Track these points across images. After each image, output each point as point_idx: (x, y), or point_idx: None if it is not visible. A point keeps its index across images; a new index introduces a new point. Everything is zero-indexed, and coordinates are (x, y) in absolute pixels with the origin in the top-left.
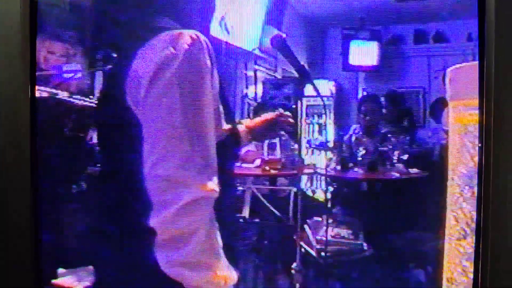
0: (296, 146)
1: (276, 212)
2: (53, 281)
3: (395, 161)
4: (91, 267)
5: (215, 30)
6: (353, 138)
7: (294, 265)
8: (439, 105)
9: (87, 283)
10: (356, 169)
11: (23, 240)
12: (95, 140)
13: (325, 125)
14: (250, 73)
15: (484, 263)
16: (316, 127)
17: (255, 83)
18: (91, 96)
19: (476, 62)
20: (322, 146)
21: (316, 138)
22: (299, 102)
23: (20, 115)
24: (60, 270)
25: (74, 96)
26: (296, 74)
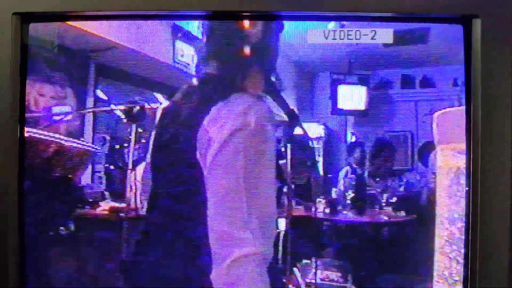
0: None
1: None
2: None
3: (383, 204)
4: None
5: None
6: (342, 181)
7: None
8: (427, 149)
9: None
10: (345, 212)
11: (11, 281)
12: (84, 182)
13: (315, 168)
14: None
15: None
16: (305, 169)
17: None
18: (82, 138)
19: (463, 107)
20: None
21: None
22: (289, 144)
23: (8, 156)
24: None
25: (63, 138)
26: (285, 118)
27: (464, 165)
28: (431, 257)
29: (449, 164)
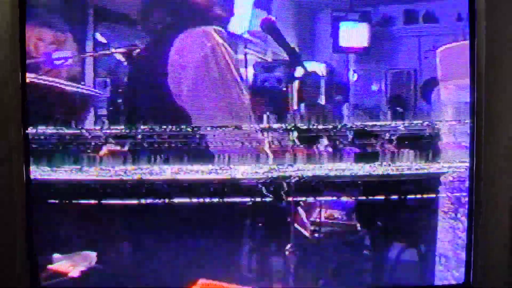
0: (288, 128)
1: (269, 194)
2: (49, 266)
3: (386, 141)
4: (86, 252)
5: None
6: (344, 119)
7: (288, 246)
8: (430, 85)
9: (83, 268)
10: (348, 149)
11: (17, 226)
12: (87, 126)
13: (317, 106)
14: (241, 57)
15: (475, 250)
16: (308, 109)
17: (246, 66)
18: (82, 82)
19: (467, 42)
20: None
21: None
22: (290, 84)
23: (11, 102)
24: (56, 256)
25: (64, 83)
26: (286, 57)
27: (468, 100)
28: (435, 197)
29: (452, 99)
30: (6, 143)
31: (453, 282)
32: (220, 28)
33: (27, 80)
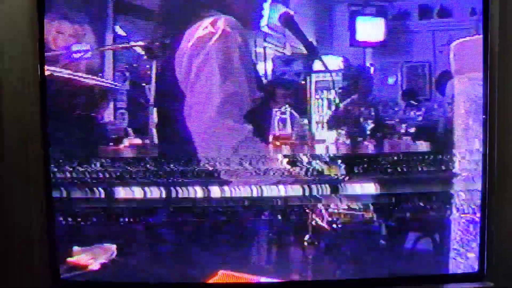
0: (306, 121)
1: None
2: (69, 259)
3: (402, 134)
4: (106, 245)
5: None
6: (362, 112)
7: (306, 237)
8: (444, 79)
9: (103, 260)
10: (365, 142)
11: (38, 218)
12: (106, 119)
13: (334, 100)
14: (260, 50)
15: (489, 239)
16: (326, 102)
17: (265, 60)
18: (100, 74)
19: (480, 36)
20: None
21: (326, 113)
22: (308, 77)
23: (30, 94)
24: (76, 248)
25: (83, 76)
26: (304, 51)
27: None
28: (450, 188)
29: (466, 92)
30: (25, 134)
31: (467, 271)
32: (231, 18)
33: (46, 73)
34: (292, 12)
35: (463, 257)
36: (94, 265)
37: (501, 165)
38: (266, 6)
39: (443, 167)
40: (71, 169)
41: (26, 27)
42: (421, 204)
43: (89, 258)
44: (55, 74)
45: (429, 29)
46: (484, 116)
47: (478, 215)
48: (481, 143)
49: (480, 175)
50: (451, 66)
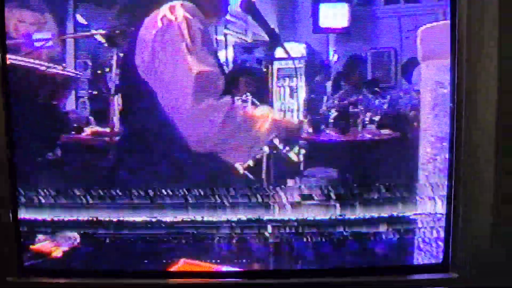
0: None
1: (249, 175)
2: (32, 246)
3: (367, 122)
4: (69, 232)
5: None
6: (325, 100)
7: (268, 228)
8: (411, 65)
9: (66, 248)
10: (328, 131)
11: (1, 206)
12: (68, 107)
13: (297, 88)
14: (221, 38)
15: (455, 230)
16: (288, 90)
17: (226, 47)
18: (63, 64)
19: (448, 21)
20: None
21: (288, 101)
22: (270, 65)
23: None
24: (39, 237)
25: (45, 64)
26: (266, 38)
27: (449, 81)
28: (414, 176)
29: (433, 80)
30: None
31: (432, 261)
32: (190, 3)
33: (8, 62)
34: None
35: (428, 247)
36: (57, 253)
37: (468, 154)
38: None
39: (408, 157)
40: (35, 157)
41: None
42: (386, 193)
43: (52, 246)
44: (17, 62)
45: (395, 14)
46: (451, 105)
47: (444, 205)
48: (448, 131)
49: (447, 165)
50: (418, 52)
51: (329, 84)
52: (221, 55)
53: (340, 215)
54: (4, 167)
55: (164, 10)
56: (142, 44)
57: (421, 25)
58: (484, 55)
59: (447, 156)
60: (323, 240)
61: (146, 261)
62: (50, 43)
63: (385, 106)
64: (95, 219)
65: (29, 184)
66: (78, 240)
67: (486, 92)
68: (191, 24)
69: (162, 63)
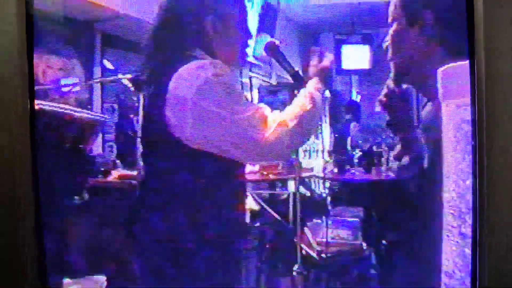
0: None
1: (276, 215)
2: None
3: (391, 161)
4: (97, 277)
5: None
6: (349, 140)
7: (295, 267)
8: (432, 105)
9: None
10: (353, 170)
11: (28, 251)
12: (95, 151)
13: (321, 129)
14: (246, 80)
15: (482, 260)
16: None
17: (251, 90)
18: (89, 107)
19: (467, 62)
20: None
21: (313, 142)
22: None
23: (20, 129)
24: (66, 281)
25: (72, 109)
26: (290, 80)
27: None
28: (439, 213)
29: (454, 119)
30: (16, 174)
31: None
32: (218, 61)
33: (36, 107)
34: (277, 42)
35: (454, 277)
36: None
37: (492, 189)
38: (253, 39)
39: (432, 193)
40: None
41: (15, 62)
42: (410, 229)
43: None
44: (45, 107)
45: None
46: (473, 142)
47: (468, 241)
48: (471, 169)
49: (471, 200)
50: (439, 91)
51: (352, 125)
52: (247, 97)
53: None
54: (30, 212)
55: (196, 69)
56: (174, 97)
57: (441, 66)
58: (503, 93)
59: (470, 191)
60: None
61: None
62: (77, 88)
63: (409, 145)
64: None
65: (55, 228)
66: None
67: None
68: (223, 79)
69: (200, 116)
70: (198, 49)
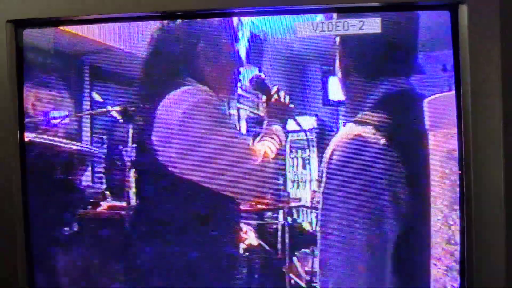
0: (281, 180)
1: (265, 245)
2: None
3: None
4: None
5: None
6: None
7: None
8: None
9: None
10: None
11: (20, 284)
12: (84, 183)
13: (309, 159)
14: (233, 112)
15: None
16: (300, 161)
17: (239, 121)
18: (78, 139)
19: (453, 92)
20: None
21: (301, 172)
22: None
23: (10, 162)
24: None
25: (62, 141)
26: None
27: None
28: (427, 246)
29: (441, 149)
30: (6, 206)
31: None
32: (202, 86)
33: (26, 139)
34: (263, 75)
35: None
36: None
37: (480, 221)
38: (241, 70)
39: (420, 222)
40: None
41: (5, 94)
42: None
43: None
44: (35, 139)
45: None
46: (460, 172)
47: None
48: (457, 197)
49: (458, 223)
50: (425, 122)
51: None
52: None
53: None
54: (20, 241)
55: (182, 93)
56: (161, 123)
57: (427, 96)
58: (489, 124)
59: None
60: None
61: None
62: (66, 120)
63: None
64: None
65: (45, 260)
66: None
67: (493, 159)
68: (211, 106)
69: (187, 141)
70: (189, 78)
